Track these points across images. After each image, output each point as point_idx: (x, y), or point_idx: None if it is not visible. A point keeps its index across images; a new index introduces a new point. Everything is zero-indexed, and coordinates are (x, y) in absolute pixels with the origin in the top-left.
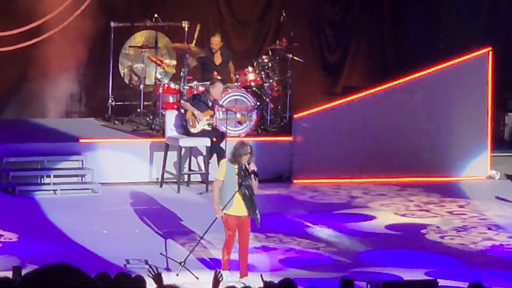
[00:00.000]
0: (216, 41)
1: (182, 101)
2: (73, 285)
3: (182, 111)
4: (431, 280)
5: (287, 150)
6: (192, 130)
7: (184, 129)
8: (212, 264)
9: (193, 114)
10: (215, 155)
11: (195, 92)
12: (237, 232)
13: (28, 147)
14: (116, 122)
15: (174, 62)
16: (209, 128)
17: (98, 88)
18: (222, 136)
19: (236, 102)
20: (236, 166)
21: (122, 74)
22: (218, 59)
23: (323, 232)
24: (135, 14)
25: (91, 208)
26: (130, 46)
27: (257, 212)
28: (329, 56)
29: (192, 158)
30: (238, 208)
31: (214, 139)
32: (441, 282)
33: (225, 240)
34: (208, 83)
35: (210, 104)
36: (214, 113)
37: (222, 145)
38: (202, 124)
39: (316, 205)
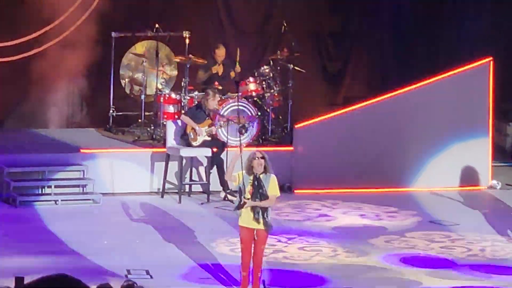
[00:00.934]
0: (222, 52)
1: (182, 116)
2: None
3: (180, 122)
4: None
5: (288, 160)
6: (194, 143)
7: (185, 142)
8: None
9: (193, 129)
10: (215, 165)
11: (196, 102)
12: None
13: (29, 157)
14: (117, 132)
15: (175, 72)
16: (209, 138)
17: (99, 98)
18: (222, 146)
19: (237, 112)
20: (251, 177)
21: (123, 84)
22: (220, 70)
23: None
24: (136, 24)
25: (92, 218)
26: (132, 53)
27: (269, 219)
28: (330, 66)
29: (193, 168)
30: (249, 220)
31: (215, 149)
32: None
33: (241, 255)
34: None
35: (207, 113)
36: (213, 121)
37: (223, 155)
38: (203, 136)
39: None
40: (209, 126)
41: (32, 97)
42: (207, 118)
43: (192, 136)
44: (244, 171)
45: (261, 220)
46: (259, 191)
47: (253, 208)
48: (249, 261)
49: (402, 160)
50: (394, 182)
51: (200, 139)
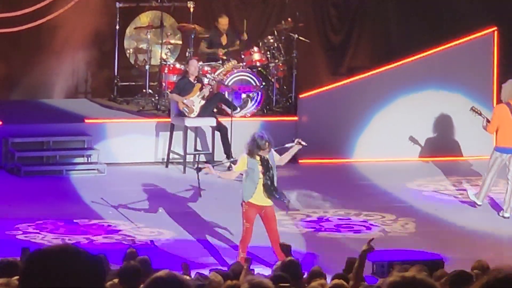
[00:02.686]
0: (225, 21)
1: (169, 94)
2: (77, 265)
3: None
4: (437, 259)
5: (293, 130)
6: (193, 115)
7: (183, 116)
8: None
9: (184, 103)
10: (219, 132)
11: (205, 72)
12: (265, 227)
13: (34, 127)
14: (122, 102)
15: (179, 42)
16: (204, 101)
17: (104, 68)
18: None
19: (241, 82)
20: (258, 158)
21: (127, 55)
22: (224, 40)
23: None
24: None
25: (97, 188)
26: (135, 28)
27: (284, 195)
28: (334, 36)
29: (198, 138)
30: (261, 197)
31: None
32: None
33: (242, 235)
34: (213, 63)
35: (193, 81)
36: (202, 84)
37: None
38: (197, 103)
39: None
40: (200, 90)
41: (36, 68)
42: (196, 83)
43: (188, 110)
44: (247, 155)
45: (276, 196)
46: (269, 170)
47: (268, 187)
48: (249, 242)
49: (405, 130)
50: (400, 152)
51: (196, 108)
